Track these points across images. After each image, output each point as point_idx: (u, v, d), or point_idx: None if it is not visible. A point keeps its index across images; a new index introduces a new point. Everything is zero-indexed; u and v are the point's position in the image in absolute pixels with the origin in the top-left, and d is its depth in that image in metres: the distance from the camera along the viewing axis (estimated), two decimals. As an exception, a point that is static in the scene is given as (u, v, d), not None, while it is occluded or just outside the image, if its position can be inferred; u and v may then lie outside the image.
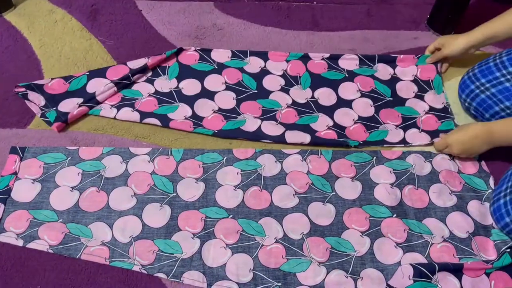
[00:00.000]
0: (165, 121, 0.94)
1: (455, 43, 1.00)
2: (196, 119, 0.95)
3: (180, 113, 0.96)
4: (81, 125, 0.94)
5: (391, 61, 1.09)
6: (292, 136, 0.93)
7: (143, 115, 0.94)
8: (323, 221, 0.83)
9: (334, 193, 0.86)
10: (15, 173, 0.85)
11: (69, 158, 0.88)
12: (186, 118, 0.95)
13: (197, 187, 0.86)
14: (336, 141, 0.94)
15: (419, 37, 1.16)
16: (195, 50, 1.07)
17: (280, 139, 0.93)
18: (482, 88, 0.90)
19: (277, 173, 0.88)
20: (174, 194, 0.85)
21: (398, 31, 1.18)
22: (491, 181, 0.89)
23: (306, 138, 0.93)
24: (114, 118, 0.94)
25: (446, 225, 0.83)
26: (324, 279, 0.76)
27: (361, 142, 0.94)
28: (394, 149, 0.94)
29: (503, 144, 0.84)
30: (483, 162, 0.92)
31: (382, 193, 0.86)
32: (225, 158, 0.90)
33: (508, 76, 0.87)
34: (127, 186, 0.85)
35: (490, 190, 0.88)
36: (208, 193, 0.85)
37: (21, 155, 0.88)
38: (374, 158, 0.92)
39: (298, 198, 0.85)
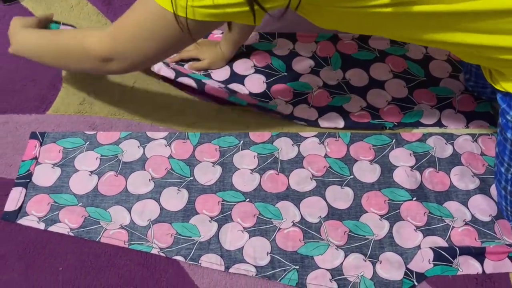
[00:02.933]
0: (200, 85, 0.92)
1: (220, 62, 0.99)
2: (230, 91, 0.95)
3: (214, 82, 0.95)
4: (98, 110, 0.94)
5: None
6: (326, 121, 0.92)
7: (178, 73, 0.93)
8: (341, 205, 0.82)
9: (352, 176, 0.85)
10: (36, 158, 0.87)
11: (87, 143, 0.89)
12: (220, 88, 0.94)
13: (214, 171, 0.86)
14: (371, 124, 0.92)
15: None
16: (223, 33, 1.06)
17: (313, 124, 0.92)
18: None
19: (294, 157, 0.88)
20: (191, 178, 0.85)
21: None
22: (516, 163, 0.86)
23: (340, 123, 0.92)
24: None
25: (468, 208, 0.81)
26: (342, 262, 0.76)
27: (396, 124, 0.92)
28: (414, 131, 0.92)
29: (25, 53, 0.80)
30: (507, 144, 0.89)
31: (402, 176, 0.85)
32: (241, 141, 0.90)
33: None
34: (145, 170, 0.86)
35: (514, 173, 0.85)
36: (225, 177, 0.85)
37: (41, 140, 0.89)
38: (394, 140, 0.90)
39: (316, 181, 0.84)
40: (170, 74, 0.93)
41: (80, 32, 0.75)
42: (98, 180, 0.84)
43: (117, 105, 0.95)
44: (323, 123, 0.92)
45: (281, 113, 0.93)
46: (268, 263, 0.75)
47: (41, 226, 0.79)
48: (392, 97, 0.96)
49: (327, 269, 0.75)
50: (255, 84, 0.98)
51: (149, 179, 0.84)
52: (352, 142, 0.90)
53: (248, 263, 0.75)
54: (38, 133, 0.90)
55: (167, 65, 0.95)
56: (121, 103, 0.95)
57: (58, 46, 0.75)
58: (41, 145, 0.88)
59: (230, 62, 1.01)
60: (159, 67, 0.93)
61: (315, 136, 0.90)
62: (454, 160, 0.87)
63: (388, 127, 0.92)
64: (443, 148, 0.89)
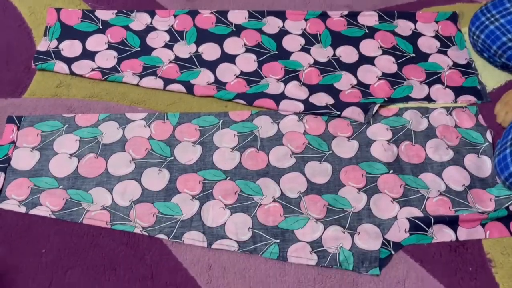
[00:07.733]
0: (189, 87, 0.93)
1: None
2: (219, 84, 0.95)
3: (202, 78, 0.95)
4: (76, 92, 0.93)
5: (410, 17, 1.06)
6: (316, 98, 0.93)
7: (167, 81, 0.94)
8: (320, 180, 0.83)
9: (330, 152, 0.87)
10: (13, 142, 0.86)
11: (65, 126, 0.88)
12: (208, 84, 0.94)
13: (195, 151, 0.86)
14: (361, 103, 0.92)
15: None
16: (212, 13, 1.05)
17: (304, 102, 0.92)
18: (492, 19, 0.90)
19: (274, 134, 0.89)
20: (172, 158, 0.85)
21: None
22: (488, 134, 0.89)
23: (330, 99, 0.93)
24: (137, 85, 0.94)
25: (442, 179, 0.84)
26: (322, 235, 0.78)
27: (386, 99, 0.93)
28: (391, 106, 0.93)
29: None
30: (480, 116, 0.92)
31: (379, 149, 0.87)
32: (221, 120, 0.90)
33: None
34: (125, 151, 0.86)
35: (487, 143, 0.88)
36: (206, 156, 0.86)
37: (18, 124, 0.88)
38: (371, 116, 0.91)
39: (295, 158, 0.86)
40: (159, 85, 0.93)
41: None
42: (78, 162, 0.84)
43: (94, 87, 0.94)
44: (314, 100, 0.92)
45: (271, 98, 0.92)
46: (249, 238, 0.77)
47: (22, 209, 0.79)
48: (382, 72, 0.97)
49: (307, 242, 0.77)
50: (246, 63, 0.98)
51: (130, 160, 0.85)
52: (330, 119, 0.91)
53: (230, 238, 0.77)
54: (15, 117, 0.89)
55: (155, 76, 0.95)
56: (99, 84, 0.94)
57: None
58: (18, 129, 0.88)
59: (219, 41, 1.01)
60: (146, 80, 0.94)
61: (294, 113, 0.91)
62: (430, 133, 0.89)
63: (379, 104, 0.92)
64: (419, 121, 0.91)
